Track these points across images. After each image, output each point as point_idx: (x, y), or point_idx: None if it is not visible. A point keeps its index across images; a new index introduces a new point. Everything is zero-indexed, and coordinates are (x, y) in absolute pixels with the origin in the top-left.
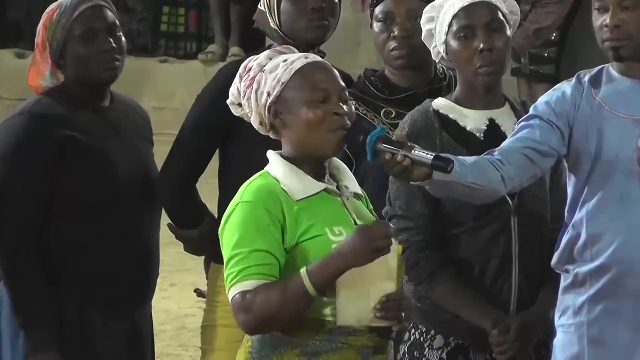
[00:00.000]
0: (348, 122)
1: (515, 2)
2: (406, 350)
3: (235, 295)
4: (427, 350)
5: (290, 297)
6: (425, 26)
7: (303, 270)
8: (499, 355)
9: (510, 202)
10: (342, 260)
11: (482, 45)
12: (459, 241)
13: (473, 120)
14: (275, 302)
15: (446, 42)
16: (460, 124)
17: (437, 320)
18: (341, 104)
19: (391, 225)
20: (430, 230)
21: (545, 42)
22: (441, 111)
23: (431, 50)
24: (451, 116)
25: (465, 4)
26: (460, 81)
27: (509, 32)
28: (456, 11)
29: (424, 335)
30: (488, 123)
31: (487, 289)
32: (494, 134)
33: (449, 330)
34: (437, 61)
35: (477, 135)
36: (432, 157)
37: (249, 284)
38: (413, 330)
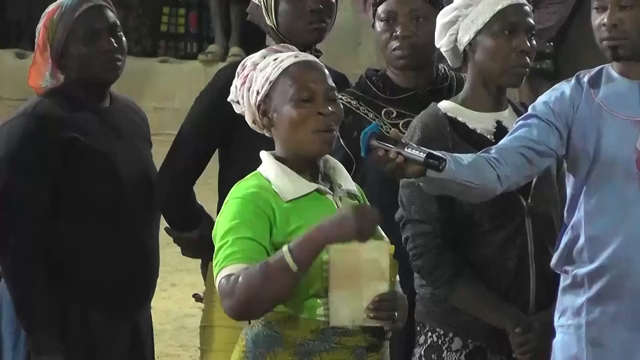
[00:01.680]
0: (333, 122)
1: None
2: (422, 353)
3: (220, 281)
4: (445, 352)
5: (271, 275)
6: (453, 11)
7: (285, 247)
8: (521, 356)
9: (524, 203)
10: (323, 233)
11: (522, 46)
12: (474, 243)
13: (481, 123)
14: (257, 282)
15: (477, 33)
16: (470, 126)
17: (454, 322)
18: (327, 104)
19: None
20: (447, 233)
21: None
22: (449, 114)
23: (444, 37)
24: (460, 119)
25: (515, 1)
26: (473, 81)
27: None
28: (504, 6)
29: (442, 338)
30: (496, 125)
31: (504, 290)
32: (502, 136)
33: (467, 333)
34: (442, 50)
35: (487, 137)
36: (425, 154)
37: (232, 267)
38: (430, 333)
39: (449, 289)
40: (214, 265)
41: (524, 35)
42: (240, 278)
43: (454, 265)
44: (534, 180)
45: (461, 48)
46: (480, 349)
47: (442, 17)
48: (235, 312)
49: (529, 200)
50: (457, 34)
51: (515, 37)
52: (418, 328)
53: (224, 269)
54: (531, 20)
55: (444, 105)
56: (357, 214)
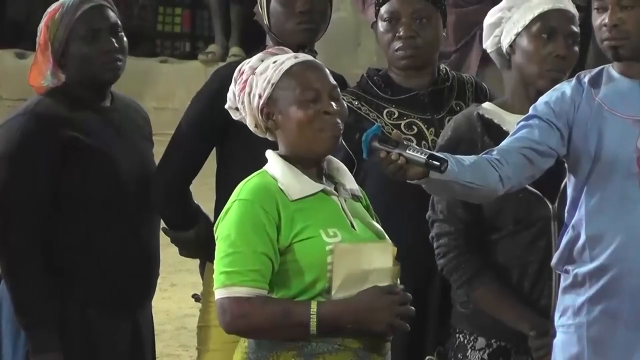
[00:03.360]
0: (339, 120)
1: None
2: (452, 355)
3: (225, 298)
4: (469, 351)
5: (290, 326)
6: (498, 12)
7: (314, 308)
8: (538, 359)
9: (550, 207)
10: (354, 317)
11: (559, 51)
12: (498, 245)
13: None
14: (274, 323)
15: (517, 35)
16: (504, 128)
17: (479, 323)
18: (332, 103)
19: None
20: (471, 234)
21: None
22: (486, 115)
23: (489, 38)
24: (495, 120)
25: (557, 7)
26: (512, 84)
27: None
28: (546, 9)
29: (467, 337)
30: None
31: (526, 293)
32: None
33: (491, 333)
34: (488, 51)
35: None
36: (426, 155)
37: (244, 291)
38: (457, 335)
39: (469, 289)
40: (217, 271)
41: (562, 40)
42: (255, 310)
43: (474, 266)
44: (563, 184)
45: (504, 50)
46: (505, 349)
47: (488, 18)
48: (234, 331)
49: (556, 204)
50: (501, 35)
51: (553, 41)
52: (451, 331)
53: (233, 288)
54: (573, 27)
55: (484, 106)
56: (389, 303)
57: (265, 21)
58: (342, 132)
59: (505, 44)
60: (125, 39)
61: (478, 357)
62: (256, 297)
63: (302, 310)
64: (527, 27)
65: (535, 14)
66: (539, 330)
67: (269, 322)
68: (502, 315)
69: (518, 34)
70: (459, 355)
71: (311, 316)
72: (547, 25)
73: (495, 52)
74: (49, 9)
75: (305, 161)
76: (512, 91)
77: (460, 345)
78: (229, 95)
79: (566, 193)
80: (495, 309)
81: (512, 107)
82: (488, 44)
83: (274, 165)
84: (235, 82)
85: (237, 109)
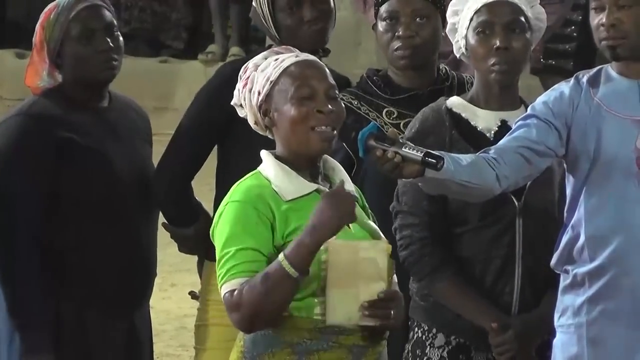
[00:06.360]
0: (333, 120)
1: (543, 10)
2: (409, 349)
3: (225, 295)
4: (428, 348)
5: (273, 285)
6: (450, 19)
7: (281, 255)
8: (498, 356)
9: (516, 203)
10: (314, 234)
11: (498, 43)
12: (462, 240)
13: (484, 120)
14: (261, 293)
15: (466, 37)
16: (472, 122)
17: (438, 318)
18: (327, 102)
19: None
20: (435, 227)
21: (563, 37)
22: (454, 109)
23: (454, 44)
24: (463, 115)
25: (489, 1)
26: (477, 79)
27: (528, 35)
28: (479, 6)
29: (426, 334)
30: (499, 124)
31: (488, 289)
32: (504, 135)
33: (451, 329)
34: (457, 56)
35: (487, 135)
36: (422, 153)
37: (235, 282)
38: (416, 329)
39: (430, 283)
40: (217, 277)
41: (500, 31)
42: (243, 292)
43: (437, 258)
44: (529, 181)
45: (464, 52)
46: (464, 346)
47: (448, 25)
48: (244, 325)
49: (522, 201)
50: (458, 40)
51: (491, 34)
52: (409, 323)
53: (227, 284)
54: (515, 16)
55: (452, 100)
56: (331, 202)
57: (272, 32)
58: (336, 132)
59: (463, 48)
60: (121, 38)
61: (437, 355)
62: (242, 283)
63: (275, 265)
64: (469, 27)
65: (472, 14)
66: (500, 327)
67: (257, 295)
68: (463, 310)
69: (465, 36)
70: (417, 352)
71: (283, 264)
72: (482, 20)
73: (463, 57)
74: (45, 10)
75: (300, 161)
76: (477, 87)
77: (418, 340)
78: (235, 91)
79: (533, 190)
80: (457, 304)
81: (478, 101)
82: (455, 51)
83: (268, 165)
84: (240, 78)
85: (241, 105)
